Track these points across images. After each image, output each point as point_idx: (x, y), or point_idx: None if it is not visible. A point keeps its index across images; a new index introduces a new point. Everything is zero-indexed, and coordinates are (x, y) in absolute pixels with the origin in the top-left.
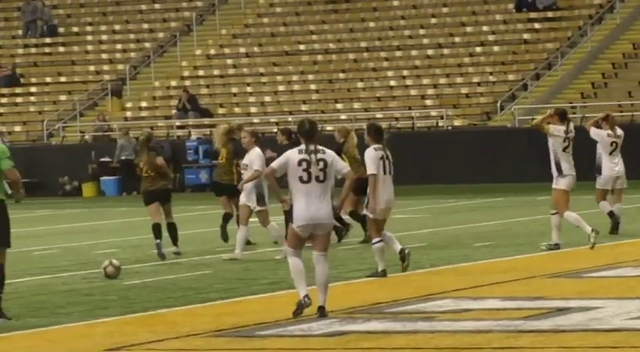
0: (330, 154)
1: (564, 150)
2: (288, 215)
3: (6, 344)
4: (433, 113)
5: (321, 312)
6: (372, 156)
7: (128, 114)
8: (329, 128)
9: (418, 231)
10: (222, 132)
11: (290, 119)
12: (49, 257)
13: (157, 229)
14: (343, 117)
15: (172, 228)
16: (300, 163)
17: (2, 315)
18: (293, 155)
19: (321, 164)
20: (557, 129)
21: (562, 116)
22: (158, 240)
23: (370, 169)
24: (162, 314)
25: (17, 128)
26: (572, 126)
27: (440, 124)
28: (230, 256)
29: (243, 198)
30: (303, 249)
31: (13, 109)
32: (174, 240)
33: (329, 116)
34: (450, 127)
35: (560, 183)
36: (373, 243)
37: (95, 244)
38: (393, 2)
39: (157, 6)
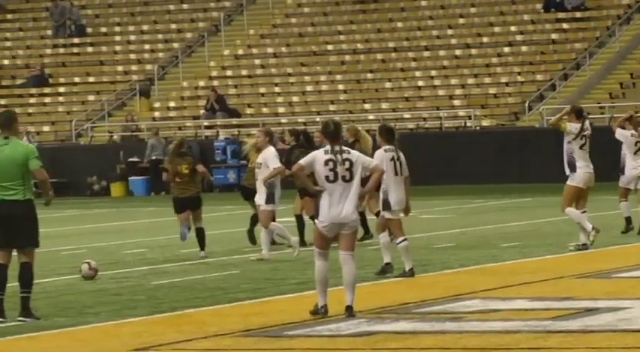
0: (354, 154)
1: (581, 147)
2: (315, 214)
3: (35, 344)
4: (461, 113)
5: (349, 312)
6: (380, 156)
7: (156, 114)
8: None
9: (446, 231)
10: (253, 143)
11: (318, 119)
12: (77, 257)
13: (184, 235)
14: (371, 117)
15: (201, 233)
16: (326, 163)
17: (31, 315)
18: (319, 155)
19: (347, 164)
20: (574, 127)
21: (578, 114)
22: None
23: None
24: (190, 314)
25: (46, 128)
26: (587, 123)
27: (468, 124)
28: (257, 256)
29: (258, 199)
30: (329, 249)
31: (41, 109)
32: (202, 245)
33: (357, 116)
34: (478, 127)
35: (574, 180)
36: (398, 243)
37: (123, 244)
38: (421, 2)
39: (185, 6)
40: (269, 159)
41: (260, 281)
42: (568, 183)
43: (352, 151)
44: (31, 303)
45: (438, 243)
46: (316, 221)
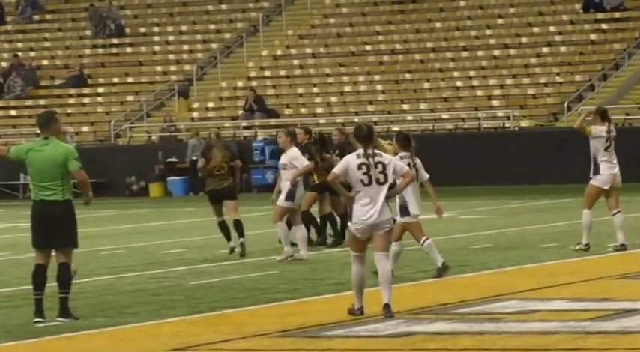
0: (387, 157)
1: (606, 149)
2: (348, 215)
3: (73, 344)
4: (500, 114)
5: (387, 310)
6: None
7: (195, 114)
8: (395, 129)
9: (485, 232)
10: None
11: (356, 119)
12: (116, 257)
13: (224, 229)
14: (409, 117)
15: (239, 224)
16: (359, 167)
17: (70, 315)
18: (352, 159)
19: (380, 166)
20: (598, 130)
21: (603, 115)
22: (232, 243)
23: None
24: (228, 314)
25: (85, 128)
26: (611, 125)
27: (506, 125)
28: (297, 256)
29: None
30: (365, 252)
31: (80, 110)
32: (241, 233)
33: (395, 117)
34: (516, 128)
35: (596, 180)
36: (422, 243)
37: (161, 244)
38: (459, 3)
39: (223, 7)
40: (297, 158)
41: (298, 281)
42: (590, 183)
43: (384, 154)
44: (69, 303)
45: (476, 244)
46: (350, 224)
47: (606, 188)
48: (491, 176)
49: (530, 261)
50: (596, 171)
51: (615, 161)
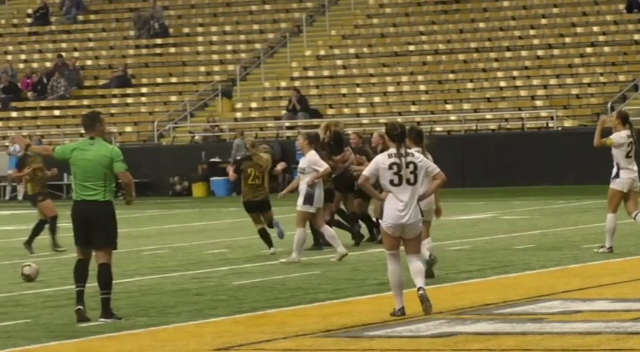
0: (418, 156)
1: (627, 155)
2: (380, 214)
3: (116, 344)
4: (543, 114)
5: (422, 294)
6: None
7: (238, 114)
8: (438, 129)
9: (528, 232)
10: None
11: (399, 120)
12: (159, 257)
13: (265, 236)
14: (452, 117)
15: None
16: (390, 167)
17: (112, 315)
18: (383, 159)
19: (411, 167)
20: (620, 137)
21: (625, 119)
22: (273, 249)
23: None
24: (270, 314)
25: (128, 128)
26: (632, 130)
27: (550, 125)
28: (337, 257)
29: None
30: (399, 249)
31: (124, 110)
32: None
33: (438, 117)
34: (560, 128)
35: (615, 183)
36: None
37: (204, 244)
38: (503, 3)
39: (267, 7)
40: (316, 162)
41: (340, 281)
42: (610, 186)
43: (416, 154)
44: (111, 304)
45: (519, 244)
46: (381, 222)
47: (625, 191)
48: (534, 176)
49: (573, 261)
50: (617, 174)
51: (635, 167)
